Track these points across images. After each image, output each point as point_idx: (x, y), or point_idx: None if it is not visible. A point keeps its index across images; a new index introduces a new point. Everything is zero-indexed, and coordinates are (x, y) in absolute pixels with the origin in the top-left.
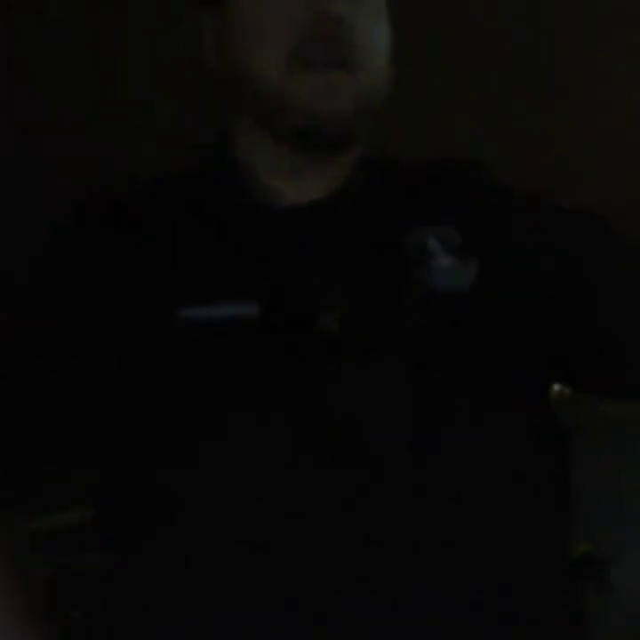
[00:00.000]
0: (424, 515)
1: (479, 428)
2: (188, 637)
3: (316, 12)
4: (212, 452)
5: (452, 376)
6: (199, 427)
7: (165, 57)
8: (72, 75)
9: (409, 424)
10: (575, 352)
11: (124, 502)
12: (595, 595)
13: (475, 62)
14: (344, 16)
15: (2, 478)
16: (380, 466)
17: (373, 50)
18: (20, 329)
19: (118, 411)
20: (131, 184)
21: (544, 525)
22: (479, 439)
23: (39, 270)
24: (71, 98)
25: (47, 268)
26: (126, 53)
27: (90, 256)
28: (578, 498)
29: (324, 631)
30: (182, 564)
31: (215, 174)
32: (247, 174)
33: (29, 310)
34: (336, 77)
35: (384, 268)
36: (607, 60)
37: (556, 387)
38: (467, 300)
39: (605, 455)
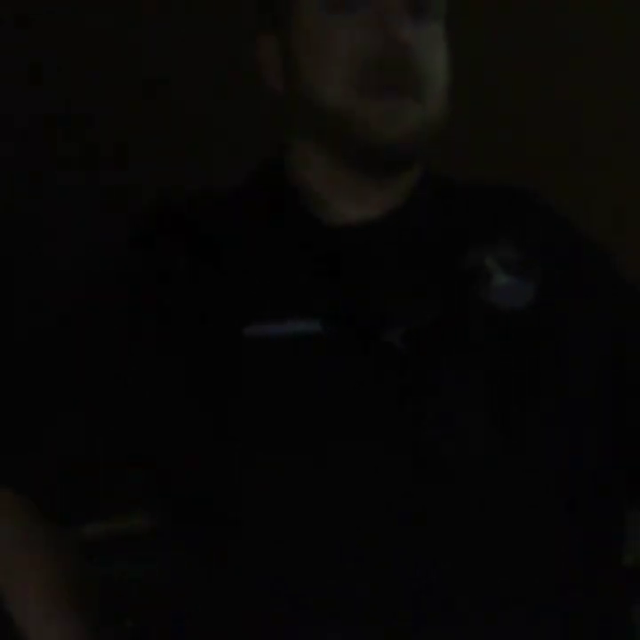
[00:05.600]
0: (503, 527)
1: (551, 443)
2: None
3: (386, 37)
4: (285, 467)
5: (519, 391)
6: (264, 441)
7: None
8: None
9: (482, 438)
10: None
11: (195, 516)
12: None
13: None
14: (411, 43)
15: (64, 489)
16: (460, 479)
17: (435, 77)
18: (90, 341)
19: (188, 423)
20: (193, 198)
21: (606, 537)
22: (551, 452)
23: (115, 284)
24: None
25: (121, 281)
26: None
27: (159, 270)
28: None
29: None
30: (258, 582)
31: (274, 194)
32: (305, 193)
33: (102, 323)
34: (404, 104)
35: (445, 285)
36: None
37: None
38: (525, 318)
39: None
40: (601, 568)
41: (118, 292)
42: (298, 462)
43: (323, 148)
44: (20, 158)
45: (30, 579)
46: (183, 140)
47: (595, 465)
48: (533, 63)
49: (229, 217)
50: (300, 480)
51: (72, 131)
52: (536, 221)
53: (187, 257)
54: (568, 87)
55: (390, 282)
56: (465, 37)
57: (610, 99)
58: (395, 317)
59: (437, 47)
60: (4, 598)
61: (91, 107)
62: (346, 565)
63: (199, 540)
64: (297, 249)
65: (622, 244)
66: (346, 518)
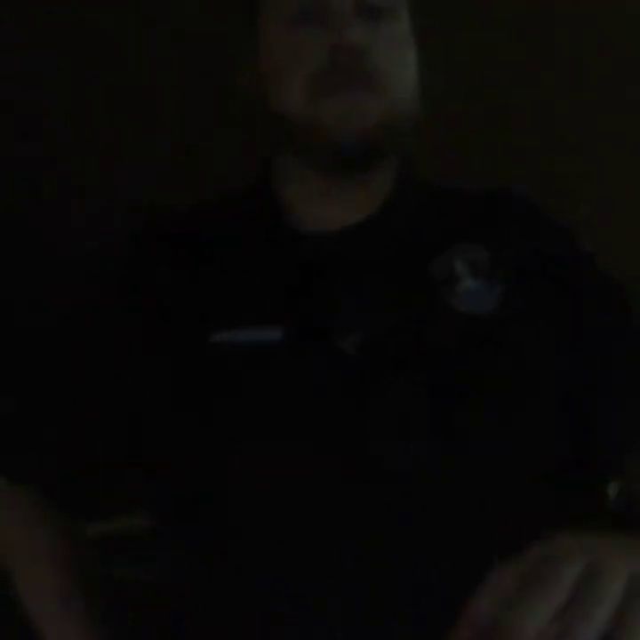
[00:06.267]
0: (441, 533)
1: (500, 449)
2: None
3: (335, 41)
4: (244, 470)
5: (469, 396)
6: (219, 438)
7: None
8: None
9: (423, 447)
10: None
11: (193, 515)
12: None
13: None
14: (360, 44)
15: (69, 483)
16: (400, 483)
17: (395, 73)
18: (90, 341)
19: (170, 423)
20: (182, 207)
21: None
22: (499, 459)
23: (114, 284)
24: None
25: (120, 281)
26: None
27: (149, 272)
28: None
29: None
30: (257, 582)
31: (255, 203)
32: (284, 202)
33: (102, 323)
34: (357, 98)
35: (412, 289)
36: None
37: None
38: (491, 323)
39: None
40: None
41: (116, 293)
42: (253, 463)
43: (290, 154)
44: (20, 158)
45: (40, 573)
46: (183, 138)
47: (551, 464)
48: (533, 63)
49: (217, 222)
50: (263, 479)
51: (72, 131)
52: (516, 223)
53: (173, 260)
54: (568, 87)
55: (355, 289)
56: (465, 37)
57: (610, 99)
58: (353, 325)
59: (398, 44)
60: (15, 588)
61: (91, 107)
62: (345, 565)
63: (199, 539)
64: (269, 256)
65: (622, 244)
66: (327, 522)
